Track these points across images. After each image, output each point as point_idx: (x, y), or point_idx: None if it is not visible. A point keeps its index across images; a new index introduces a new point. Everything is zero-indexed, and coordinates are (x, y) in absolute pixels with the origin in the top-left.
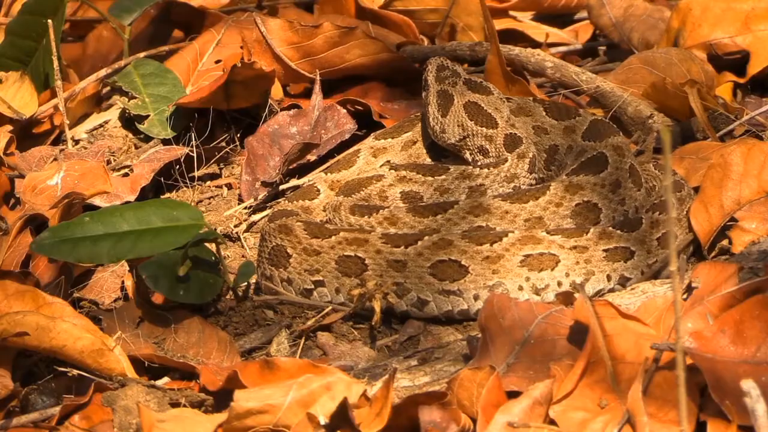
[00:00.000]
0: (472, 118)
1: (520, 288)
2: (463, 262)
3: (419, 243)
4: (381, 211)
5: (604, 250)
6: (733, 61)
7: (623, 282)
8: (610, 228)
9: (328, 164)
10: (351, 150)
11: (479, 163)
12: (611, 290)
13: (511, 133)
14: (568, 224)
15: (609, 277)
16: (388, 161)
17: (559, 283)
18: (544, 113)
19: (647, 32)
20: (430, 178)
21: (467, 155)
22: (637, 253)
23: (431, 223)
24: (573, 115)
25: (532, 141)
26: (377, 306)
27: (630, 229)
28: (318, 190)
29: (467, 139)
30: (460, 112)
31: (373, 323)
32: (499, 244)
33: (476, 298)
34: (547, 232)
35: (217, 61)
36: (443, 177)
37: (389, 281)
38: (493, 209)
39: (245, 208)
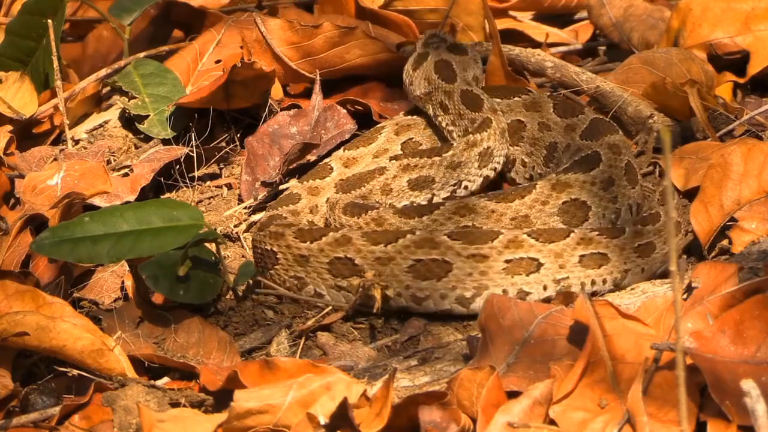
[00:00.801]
0: (438, 72)
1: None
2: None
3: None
4: (369, 212)
5: (581, 256)
6: (733, 61)
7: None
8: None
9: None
10: (322, 162)
11: (443, 123)
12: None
13: (466, 89)
14: (555, 222)
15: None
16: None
17: (545, 288)
18: (551, 110)
19: (647, 32)
20: (437, 158)
21: (430, 111)
22: (612, 260)
23: (417, 224)
24: (576, 113)
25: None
26: (377, 294)
27: (611, 235)
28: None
29: (431, 94)
30: (430, 67)
31: (374, 311)
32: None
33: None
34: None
35: (217, 61)
36: (452, 152)
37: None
38: (479, 209)
39: (245, 208)
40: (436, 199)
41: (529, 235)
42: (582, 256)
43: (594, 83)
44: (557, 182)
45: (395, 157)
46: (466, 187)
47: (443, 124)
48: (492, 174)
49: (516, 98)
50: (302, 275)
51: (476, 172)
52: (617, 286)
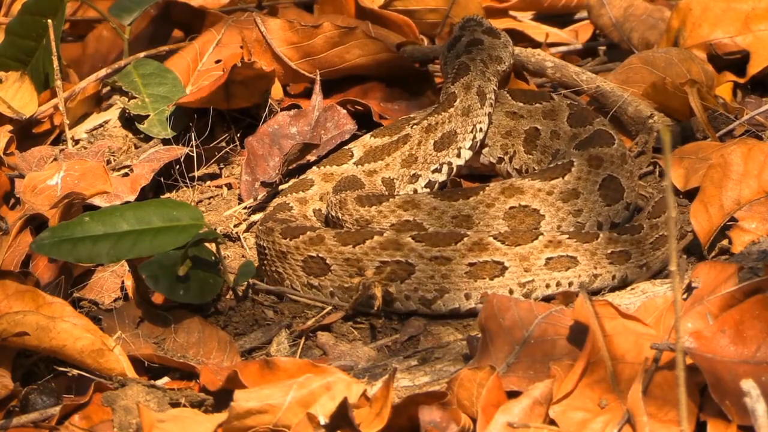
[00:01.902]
0: (468, 51)
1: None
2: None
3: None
4: (392, 198)
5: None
6: (733, 61)
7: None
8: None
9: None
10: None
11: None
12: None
13: (463, 62)
14: (500, 225)
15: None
16: None
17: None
18: (565, 119)
19: (647, 32)
20: (451, 109)
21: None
22: (582, 264)
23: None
24: (585, 124)
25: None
26: (378, 292)
27: (583, 239)
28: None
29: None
30: (461, 47)
31: (375, 309)
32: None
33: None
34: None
35: (217, 61)
36: (459, 99)
37: (387, 269)
38: (423, 205)
39: (245, 208)
40: (462, 154)
41: (495, 238)
42: (549, 258)
43: (594, 83)
44: (509, 186)
45: (415, 123)
46: (480, 130)
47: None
48: (491, 111)
49: (537, 104)
50: (281, 271)
51: (481, 112)
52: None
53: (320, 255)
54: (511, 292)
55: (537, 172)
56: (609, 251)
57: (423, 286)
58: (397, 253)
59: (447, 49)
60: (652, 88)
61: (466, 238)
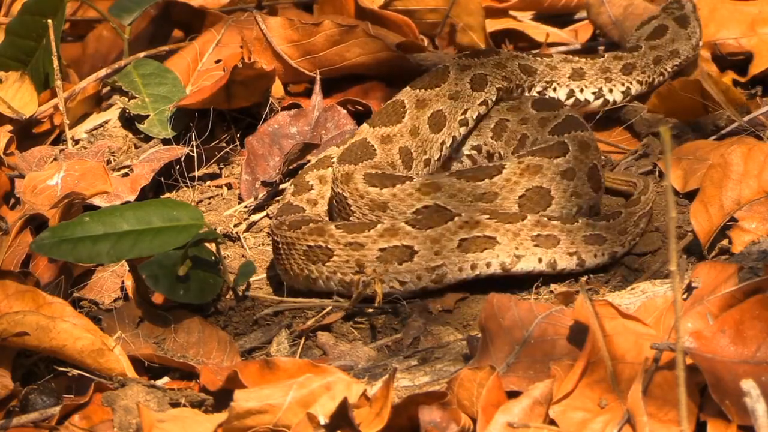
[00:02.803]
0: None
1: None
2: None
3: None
4: (398, 184)
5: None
6: (735, 62)
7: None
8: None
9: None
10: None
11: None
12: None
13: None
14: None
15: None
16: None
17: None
18: (530, 103)
19: None
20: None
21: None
22: (502, 244)
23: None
24: (554, 109)
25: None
26: (378, 288)
27: (504, 219)
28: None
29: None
30: (650, 28)
31: (375, 305)
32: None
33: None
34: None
35: (217, 61)
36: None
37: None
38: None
39: (245, 207)
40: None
41: (407, 223)
42: (463, 240)
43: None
44: (527, 167)
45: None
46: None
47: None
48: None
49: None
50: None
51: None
52: (505, 271)
53: (275, 239)
54: (419, 278)
55: (533, 150)
56: (536, 233)
57: (341, 270)
58: (320, 239)
59: (638, 26)
60: (657, 97)
61: (379, 225)
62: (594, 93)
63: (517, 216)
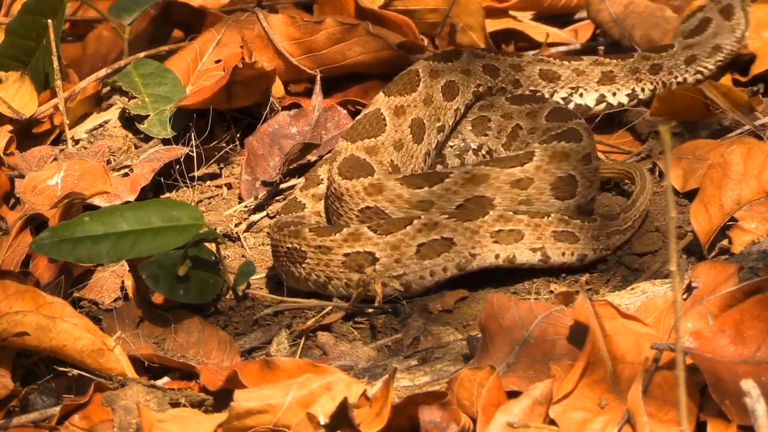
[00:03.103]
0: (695, 29)
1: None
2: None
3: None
4: (369, 177)
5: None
6: (736, 62)
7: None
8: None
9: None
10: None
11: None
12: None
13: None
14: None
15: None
16: None
17: None
18: (504, 101)
19: (650, 30)
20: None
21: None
22: (459, 245)
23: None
24: (537, 101)
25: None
26: (378, 288)
27: (462, 218)
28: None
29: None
30: (695, 21)
31: (375, 305)
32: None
33: None
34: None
35: (217, 61)
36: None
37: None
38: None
39: (245, 207)
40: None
41: (369, 228)
42: (421, 244)
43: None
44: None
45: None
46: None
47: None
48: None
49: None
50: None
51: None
52: (461, 270)
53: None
54: (384, 285)
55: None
56: (496, 229)
57: (314, 272)
58: (295, 242)
59: (685, 18)
60: (659, 102)
61: (344, 229)
62: (628, 95)
63: (477, 212)
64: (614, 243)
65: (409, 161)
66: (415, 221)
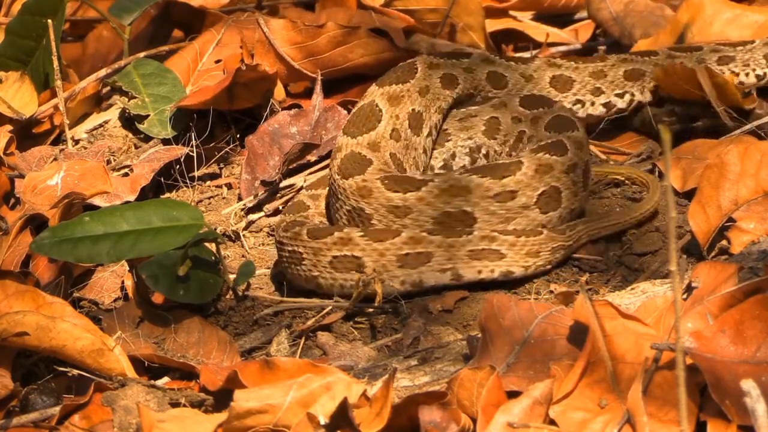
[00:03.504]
0: None
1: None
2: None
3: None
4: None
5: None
6: None
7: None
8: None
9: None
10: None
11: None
12: None
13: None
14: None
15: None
16: None
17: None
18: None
19: (651, 29)
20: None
21: None
22: (436, 257)
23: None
24: (543, 106)
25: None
26: (378, 288)
27: (445, 235)
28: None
29: None
30: None
31: (375, 304)
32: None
33: None
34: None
35: (217, 61)
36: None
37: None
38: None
39: (245, 207)
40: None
41: (359, 233)
42: (406, 254)
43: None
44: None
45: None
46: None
47: None
48: None
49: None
50: None
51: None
52: (456, 282)
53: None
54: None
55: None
56: (481, 247)
57: (309, 272)
58: (293, 243)
59: None
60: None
61: (336, 232)
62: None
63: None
64: (557, 258)
65: (410, 152)
66: (403, 233)
